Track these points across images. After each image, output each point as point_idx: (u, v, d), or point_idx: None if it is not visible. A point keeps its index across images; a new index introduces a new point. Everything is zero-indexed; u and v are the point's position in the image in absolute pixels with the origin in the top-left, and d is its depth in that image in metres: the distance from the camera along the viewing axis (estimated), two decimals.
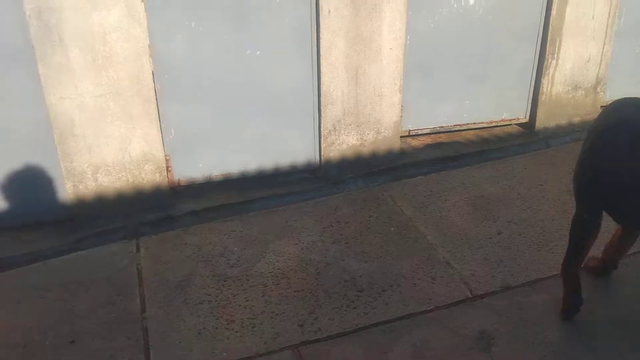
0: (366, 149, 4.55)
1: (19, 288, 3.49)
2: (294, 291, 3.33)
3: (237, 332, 3.04)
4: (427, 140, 5.05)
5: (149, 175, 4.01)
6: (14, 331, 3.13)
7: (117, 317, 3.19)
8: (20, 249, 3.82)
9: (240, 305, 3.23)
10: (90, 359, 2.92)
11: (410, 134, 4.93)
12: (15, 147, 3.77)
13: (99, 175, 3.90)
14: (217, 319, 3.13)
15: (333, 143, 4.43)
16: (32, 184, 3.90)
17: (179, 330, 3.07)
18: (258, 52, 4.08)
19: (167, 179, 4.11)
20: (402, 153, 4.78)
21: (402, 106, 4.57)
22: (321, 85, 4.23)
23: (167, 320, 3.14)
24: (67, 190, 3.89)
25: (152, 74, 3.83)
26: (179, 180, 4.23)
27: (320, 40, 4.10)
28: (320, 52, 4.13)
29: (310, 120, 4.38)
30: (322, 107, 4.29)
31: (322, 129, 4.37)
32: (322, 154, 4.46)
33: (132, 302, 3.29)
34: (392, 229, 3.90)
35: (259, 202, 4.24)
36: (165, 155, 4.07)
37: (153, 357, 2.91)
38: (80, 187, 3.89)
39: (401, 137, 4.79)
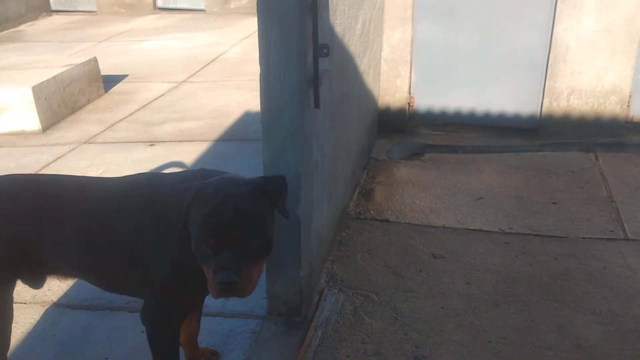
0: None
1: (500, 165, 4.65)
2: None
3: None
4: None
5: (611, 106, 4.80)
6: (507, 187, 4.28)
7: (588, 196, 4.10)
8: (497, 143, 4.99)
9: None
10: (572, 215, 3.87)
11: None
12: (515, 63, 4.91)
13: (572, 97, 4.82)
14: None
15: None
16: (516, 95, 5.01)
17: None
18: None
19: (624, 113, 4.84)
20: None
21: None
22: None
23: (635, 207, 3.91)
24: (543, 105, 4.90)
25: None
26: (632, 116, 4.92)
27: None
28: None
29: None
30: None
31: None
32: None
33: (599, 190, 4.17)
34: None
35: None
36: (630, 92, 4.79)
37: (628, 228, 3.71)
38: (554, 104, 4.87)
39: None
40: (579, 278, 3.26)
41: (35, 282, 2.43)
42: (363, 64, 4.06)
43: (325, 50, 2.56)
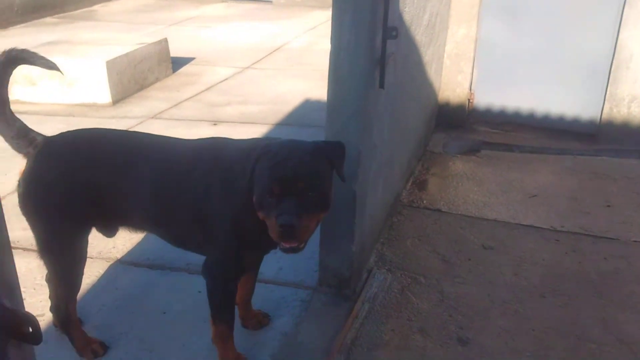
0: None
1: (556, 166, 4.66)
2: None
3: None
4: None
5: None
6: (561, 188, 4.29)
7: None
8: (554, 145, 4.99)
9: None
10: (626, 218, 3.87)
11: None
12: (577, 67, 4.90)
13: (632, 104, 4.78)
14: None
15: None
16: (576, 99, 5.00)
17: None
18: None
19: None
20: None
21: None
22: None
23: None
24: (604, 111, 4.87)
25: None
26: None
27: None
28: None
29: None
30: None
31: None
32: None
33: None
34: None
35: None
36: None
37: None
38: (614, 110, 4.84)
39: None
40: (627, 278, 3.27)
41: (108, 231, 2.61)
42: (427, 55, 4.15)
43: (394, 33, 2.67)
